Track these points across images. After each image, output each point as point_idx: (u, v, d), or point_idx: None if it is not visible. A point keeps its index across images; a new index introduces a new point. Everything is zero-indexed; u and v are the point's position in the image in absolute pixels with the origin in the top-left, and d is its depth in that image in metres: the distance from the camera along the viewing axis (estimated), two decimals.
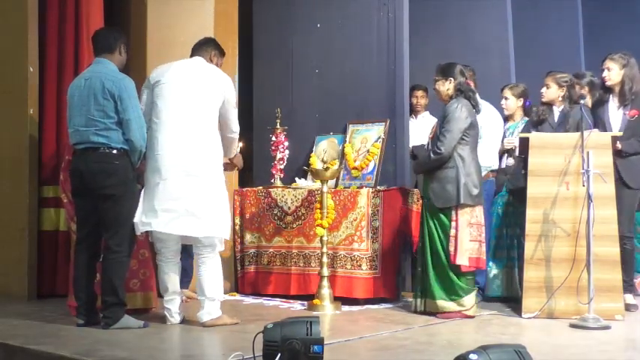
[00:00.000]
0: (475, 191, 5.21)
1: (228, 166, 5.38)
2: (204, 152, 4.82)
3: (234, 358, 3.69)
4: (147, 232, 4.89)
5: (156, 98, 4.86)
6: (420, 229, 5.47)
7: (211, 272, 4.83)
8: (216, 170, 4.88)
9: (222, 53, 5.27)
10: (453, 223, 5.19)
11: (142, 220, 4.80)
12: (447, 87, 5.37)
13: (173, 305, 4.89)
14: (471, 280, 5.29)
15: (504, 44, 7.20)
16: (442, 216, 5.24)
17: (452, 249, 5.18)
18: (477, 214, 5.26)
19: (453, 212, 5.20)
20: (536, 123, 5.90)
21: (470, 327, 4.95)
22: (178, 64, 5.03)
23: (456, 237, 5.17)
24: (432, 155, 5.27)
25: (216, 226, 4.81)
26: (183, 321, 4.90)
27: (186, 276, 5.89)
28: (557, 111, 5.87)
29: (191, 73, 4.94)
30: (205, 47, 5.17)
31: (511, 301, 5.83)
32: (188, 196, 4.74)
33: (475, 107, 5.37)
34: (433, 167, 5.29)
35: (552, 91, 5.86)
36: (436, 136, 5.31)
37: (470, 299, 5.21)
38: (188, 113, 4.81)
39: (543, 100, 5.92)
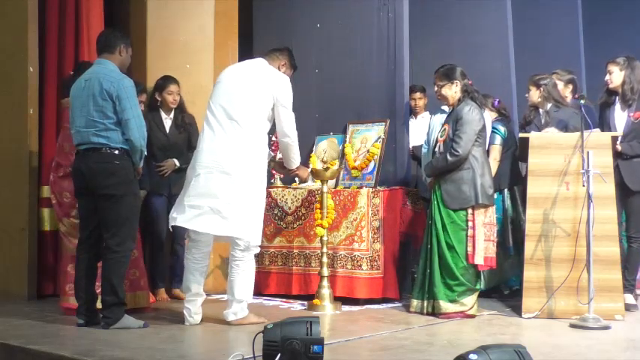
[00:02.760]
0: (490, 191, 5.24)
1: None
2: (242, 151, 4.80)
3: (234, 358, 3.69)
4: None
5: (210, 97, 4.93)
6: (426, 231, 5.44)
7: (243, 275, 4.84)
8: (253, 171, 4.84)
9: (292, 66, 5.26)
10: (470, 223, 5.19)
11: (172, 214, 4.88)
12: (453, 90, 5.36)
13: (193, 306, 4.90)
14: (476, 281, 5.30)
15: (504, 44, 7.19)
16: (455, 217, 5.23)
17: (470, 249, 5.18)
18: (490, 214, 5.28)
19: (470, 212, 5.20)
20: (524, 124, 5.96)
21: (470, 327, 4.95)
22: (238, 64, 5.12)
23: (473, 237, 5.17)
24: (449, 157, 5.22)
25: (240, 227, 4.76)
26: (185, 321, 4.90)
27: (177, 275, 6.02)
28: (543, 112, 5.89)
29: (244, 72, 5.00)
30: (277, 54, 5.18)
31: (498, 290, 6.04)
32: (216, 193, 4.74)
33: (480, 106, 5.40)
34: (449, 170, 5.26)
35: (532, 93, 5.90)
36: (449, 139, 5.27)
37: (471, 299, 5.23)
38: (231, 112, 4.83)
39: (529, 103, 5.96)
